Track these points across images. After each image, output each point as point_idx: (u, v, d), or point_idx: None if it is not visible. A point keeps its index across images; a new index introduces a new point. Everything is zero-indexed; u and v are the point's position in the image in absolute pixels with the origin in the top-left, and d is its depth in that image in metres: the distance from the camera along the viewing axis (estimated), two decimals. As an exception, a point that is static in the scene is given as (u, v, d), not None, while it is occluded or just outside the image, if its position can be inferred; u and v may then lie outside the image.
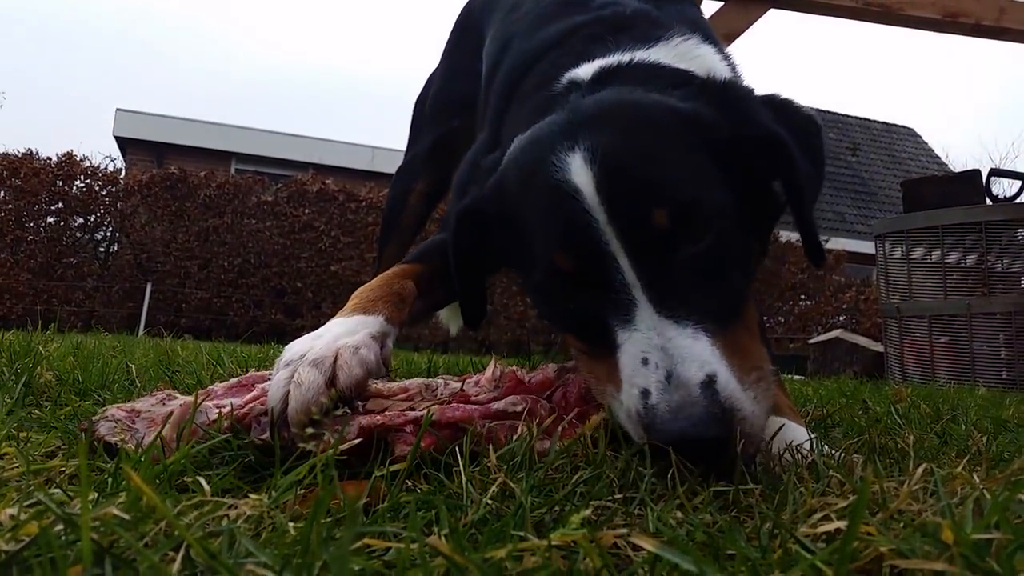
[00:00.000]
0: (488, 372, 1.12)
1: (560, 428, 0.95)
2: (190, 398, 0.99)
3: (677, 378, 0.85)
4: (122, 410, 1.02)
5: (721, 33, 4.61)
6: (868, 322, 12.70)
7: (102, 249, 11.57)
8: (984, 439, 1.23)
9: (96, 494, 0.70)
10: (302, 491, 0.72)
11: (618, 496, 0.74)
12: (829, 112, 21.53)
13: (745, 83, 1.38)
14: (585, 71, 1.27)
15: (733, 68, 1.46)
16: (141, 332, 8.85)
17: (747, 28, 4.80)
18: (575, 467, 0.85)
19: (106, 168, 11.54)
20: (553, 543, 0.56)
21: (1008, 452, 1.18)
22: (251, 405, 0.95)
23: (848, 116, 22.32)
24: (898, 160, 21.50)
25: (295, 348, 1.02)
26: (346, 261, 11.50)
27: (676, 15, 1.48)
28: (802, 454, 0.93)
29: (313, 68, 63.95)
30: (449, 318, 2.70)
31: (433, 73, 2.59)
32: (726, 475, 0.83)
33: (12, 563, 0.51)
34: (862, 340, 6.35)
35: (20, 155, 10.94)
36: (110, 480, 0.75)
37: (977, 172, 4.89)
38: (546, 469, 0.82)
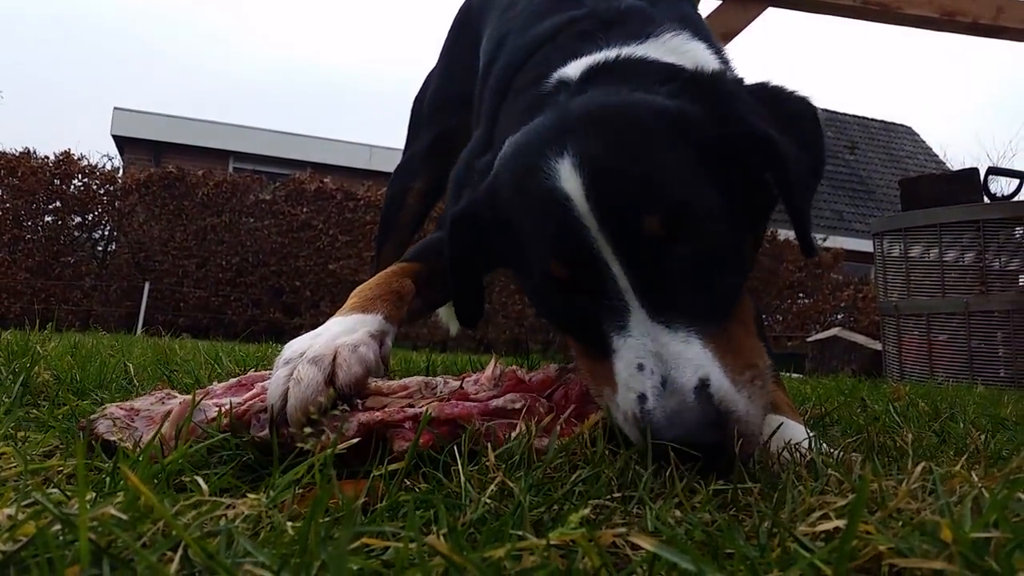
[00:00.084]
0: (488, 371, 1.12)
1: (559, 426, 0.95)
2: (189, 397, 0.99)
3: (672, 384, 0.86)
4: (121, 409, 1.02)
5: (720, 32, 4.61)
6: (866, 320, 12.72)
7: (100, 248, 11.56)
8: (982, 437, 1.24)
9: (94, 494, 0.69)
10: (300, 490, 0.72)
11: (617, 495, 0.74)
12: (827, 111, 21.52)
13: (734, 75, 1.38)
14: (574, 69, 1.27)
15: (725, 63, 1.46)
16: (139, 331, 8.84)
17: (745, 26, 4.80)
18: (574, 466, 0.85)
19: (104, 167, 11.54)
20: (552, 542, 0.56)
21: (1006, 450, 1.18)
22: (250, 402, 0.95)
23: (846, 115, 22.34)
24: (896, 158, 21.52)
25: (294, 346, 1.03)
26: (344, 260, 11.50)
27: (669, 11, 1.48)
28: (800, 452, 0.93)
29: (311, 67, 63.94)
30: (449, 318, 2.70)
31: (431, 72, 2.58)
32: (724, 474, 0.83)
33: (9, 563, 0.50)
34: (860, 338, 6.35)
35: (18, 154, 10.93)
36: (108, 480, 0.75)
37: (975, 170, 4.89)
38: (545, 468, 0.82)
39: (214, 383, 1.20)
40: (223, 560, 0.51)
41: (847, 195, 19.17)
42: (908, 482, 0.73)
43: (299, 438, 0.88)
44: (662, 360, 0.88)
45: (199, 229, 11.23)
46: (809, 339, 7.45)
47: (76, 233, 11.34)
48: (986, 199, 4.78)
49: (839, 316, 13.61)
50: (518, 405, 0.98)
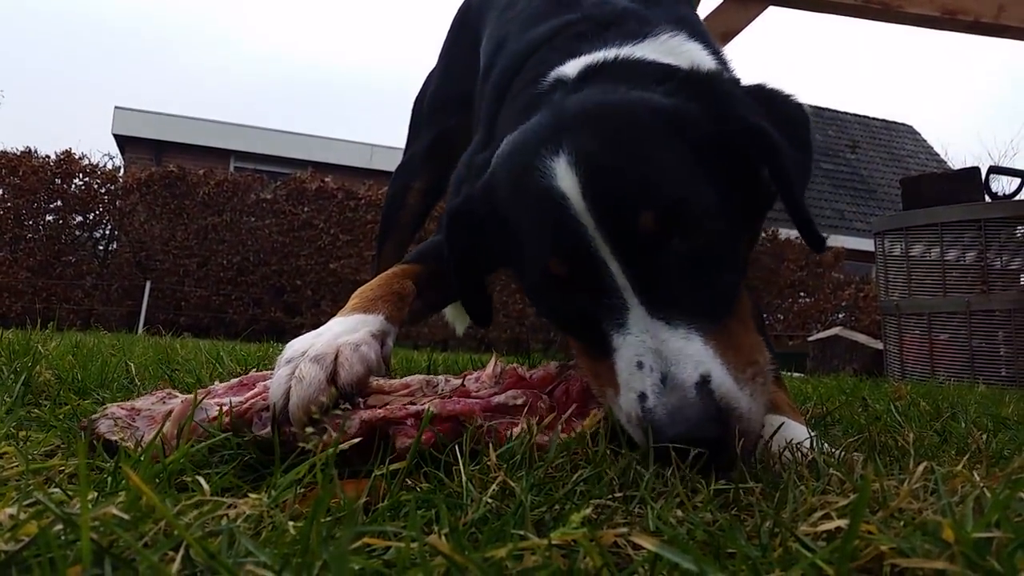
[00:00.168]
0: (489, 368, 1.13)
1: (560, 424, 0.95)
2: (191, 396, 0.99)
3: (672, 380, 0.86)
4: (122, 408, 1.02)
5: (720, 31, 4.62)
6: (867, 319, 12.71)
7: (101, 247, 11.57)
8: (984, 437, 1.23)
9: (95, 493, 0.69)
10: (302, 490, 0.72)
11: (618, 495, 0.74)
12: (828, 109, 21.52)
13: (730, 75, 1.38)
14: (571, 68, 1.27)
15: (723, 63, 1.46)
16: (140, 330, 8.85)
17: (746, 26, 4.80)
18: (575, 466, 0.85)
19: (105, 166, 11.56)
20: (553, 542, 0.56)
21: (1008, 450, 1.18)
22: (253, 400, 0.95)
23: (847, 113, 22.31)
24: (897, 157, 21.50)
25: (296, 345, 1.03)
26: (345, 259, 11.51)
27: (666, 13, 1.49)
28: (802, 452, 0.93)
29: (313, 66, 63.94)
30: (455, 317, 2.70)
31: (431, 72, 2.58)
32: (725, 473, 0.83)
33: (11, 563, 0.50)
34: (861, 337, 6.34)
35: (19, 153, 10.94)
36: (110, 479, 0.75)
37: (976, 169, 4.89)
38: (546, 468, 0.82)
39: (215, 383, 1.20)
40: (225, 560, 0.51)
41: (848, 194, 19.15)
42: (910, 482, 0.73)
43: (301, 437, 0.88)
44: (662, 357, 0.88)
45: (200, 228, 11.24)
46: (810, 338, 7.45)
47: (77, 232, 11.35)
48: (987, 198, 4.78)
49: (840, 315, 13.61)
50: (519, 401, 0.99)
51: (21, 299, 10.21)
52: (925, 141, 23.05)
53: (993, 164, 5.05)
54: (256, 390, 1.00)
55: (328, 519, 0.64)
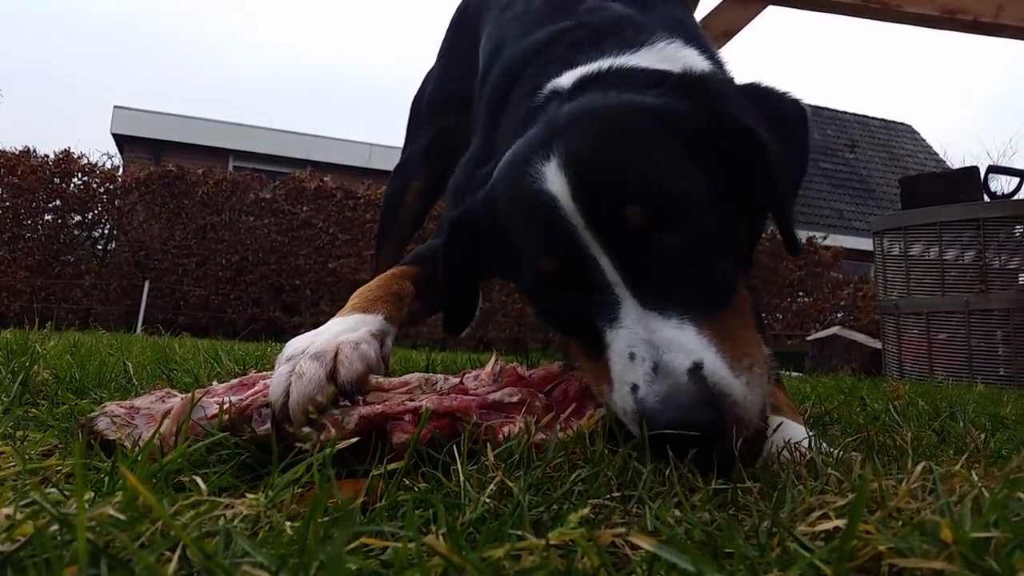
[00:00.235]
0: (488, 367, 1.13)
1: (558, 423, 0.95)
2: (190, 395, 0.99)
3: (664, 368, 0.85)
4: (121, 406, 1.02)
5: (720, 30, 4.62)
6: (866, 319, 12.72)
7: (100, 247, 11.56)
8: (982, 436, 1.24)
9: (92, 493, 0.69)
10: (299, 490, 0.72)
11: (616, 495, 0.74)
12: (827, 109, 21.54)
13: (723, 76, 1.38)
14: (567, 79, 1.28)
15: (719, 66, 1.46)
16: (139, 330, 8.84)
17: (746, 25, 4.80)
18: (573, 465, 0.85)
19: (104, 165, 11.53)
20: (551, 542, 0.56)
21: (1006, 449, 1.18)
22: (253, 398, 0.95)
23: (846, 113, 22.32)
24: (896, 157, 21.51)
25: (296, 344, 1.04)
26: (344, 258, 11.50)
27: (661, 18, 1.49)
28: (800, 452, 0.93)
29: (311, 65, 63.93)
30: None
31: (430, 71, 2.58)
32: (725, 469, 0.82)
33: (7, 564, 0.50)
34: (860, 337, 6.34)
35: (17, 152, 10.93)
36: (106, 479, 0.75)
37: (975, 169, 4.89)
38: (544, 467, 0.82)
39: (214, 382, 1.20)
40: (221, 560, 0.51)
41: (847, 193, 19.16)
42: (908, 481, 0.73)
43: (300, 437, 0.88)
44: (653, 346, 0.88)
45: (199, 228, 11.23)
46: (809, 338, 7.45)
47: (76, 232, 11.34)
48: (986, 197, 4.78)
49: (839, 315, 13.61)
50: (515, 399, 0.99)
51: (19, 298, 10.20)
52: (924, 140, 23.07)
53: (992, 163, 5.07)
54: (256, 387, 1.00)
55: (325, 519, 0.63)
